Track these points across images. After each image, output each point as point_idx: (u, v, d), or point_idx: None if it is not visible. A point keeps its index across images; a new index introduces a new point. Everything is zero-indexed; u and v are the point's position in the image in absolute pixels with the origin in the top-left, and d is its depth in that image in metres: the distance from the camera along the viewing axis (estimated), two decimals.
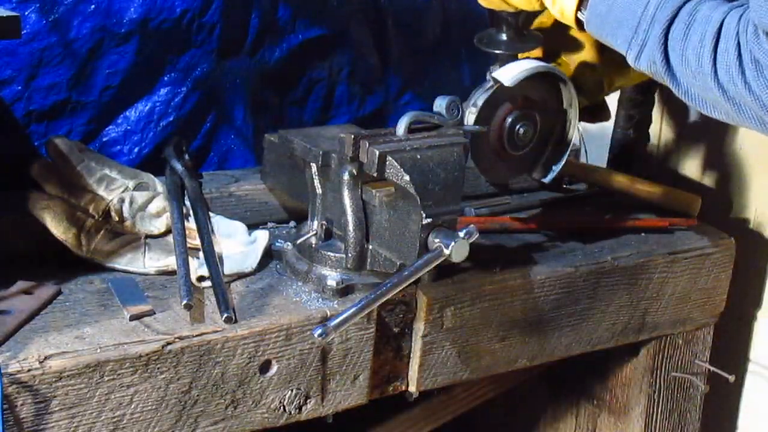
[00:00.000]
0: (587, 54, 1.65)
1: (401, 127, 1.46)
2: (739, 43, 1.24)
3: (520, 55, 1.60)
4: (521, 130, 1.57)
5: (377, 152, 1.40)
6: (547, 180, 1.66)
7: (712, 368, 1.94)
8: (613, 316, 1.75)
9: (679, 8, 1.31)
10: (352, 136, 1.43)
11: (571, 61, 1.66)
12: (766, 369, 2.09)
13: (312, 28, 1.95)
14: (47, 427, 1.24)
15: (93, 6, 1.70)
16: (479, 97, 1.53)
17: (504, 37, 1.58)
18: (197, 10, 1.79)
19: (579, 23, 1.45)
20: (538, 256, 1.69)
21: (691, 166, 2.17)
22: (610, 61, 1.62)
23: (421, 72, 2.15)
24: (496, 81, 1.53)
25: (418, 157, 1.42)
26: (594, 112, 1.76)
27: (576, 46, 1.66)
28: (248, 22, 1.88)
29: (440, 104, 1.50)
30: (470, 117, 1.52)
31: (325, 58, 2.00)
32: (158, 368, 1.30)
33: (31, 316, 1.34)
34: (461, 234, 1.39)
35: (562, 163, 1.64)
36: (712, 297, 1.87)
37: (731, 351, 2.08)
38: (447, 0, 2.15)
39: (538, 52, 1.65)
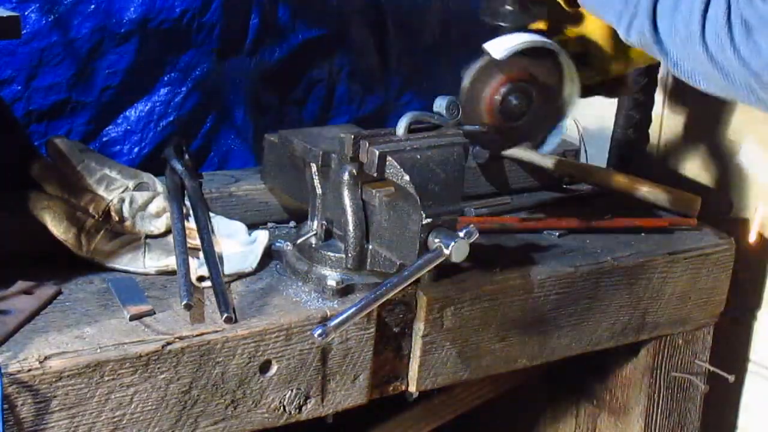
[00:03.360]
0: (594, 28, 1.63)
1: (401, 127, 1.46)
2: (729, 7, 1.21)
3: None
4: (514, 102, 1.55)
5: (377, 152, 1.40)
6: (542, 151, 1.64)
7: (712, 368, 1.93)
8: (613, 316, 1.74)
9: None
10: (352, 136, 1.43)
11: (577, 35, 1.64)
12: (766, 369, 2.08)
13: (312, 28, 1.95)
14: (47, 427, 1.24)
15: (93, 6, 1.69)
16: (472, 69, 1.51)
17: (508, 8, 1.56)
18: (197, 10, 1.79)
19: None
20: (538, 256, 1.68)
21: (691, 166, 2.16)
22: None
23: (420, 72, 2.15)
24: (487, 53, 1.51)
25: (418, 157, 1.42)
26: (613, 87, 1.73)
27: (580, 19, 1.64)
28: (248, 22, 1.88)
29: (440, 104, 1.50)
30: (462, 89, 1.50)
31: (325, 58, 2.00)
32: (158, 368, 1.30)
33: (31, 316, 1.34)
34: (461, 234, 1.39)
35: (559, 135, 1.63)
36: (712, 297, 1.87)
37: (731, 351, 2.08)
38: (447, 0, 2.15)
39: (542, 25, 1.63)
